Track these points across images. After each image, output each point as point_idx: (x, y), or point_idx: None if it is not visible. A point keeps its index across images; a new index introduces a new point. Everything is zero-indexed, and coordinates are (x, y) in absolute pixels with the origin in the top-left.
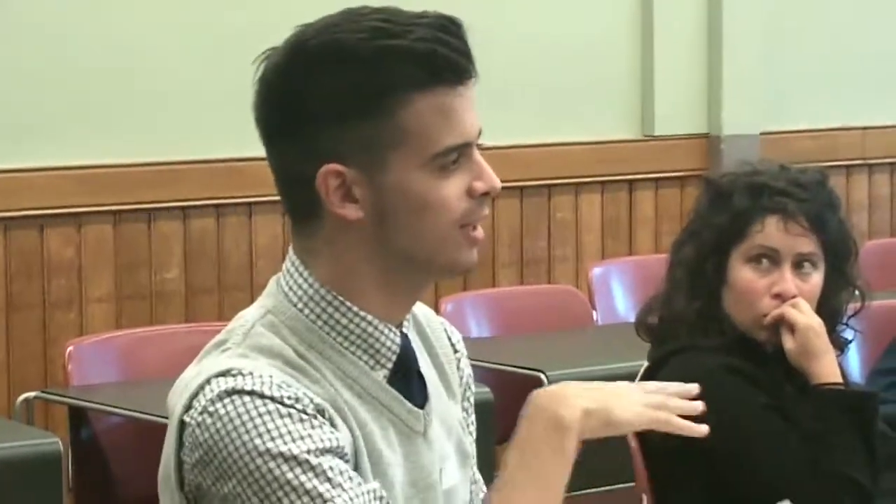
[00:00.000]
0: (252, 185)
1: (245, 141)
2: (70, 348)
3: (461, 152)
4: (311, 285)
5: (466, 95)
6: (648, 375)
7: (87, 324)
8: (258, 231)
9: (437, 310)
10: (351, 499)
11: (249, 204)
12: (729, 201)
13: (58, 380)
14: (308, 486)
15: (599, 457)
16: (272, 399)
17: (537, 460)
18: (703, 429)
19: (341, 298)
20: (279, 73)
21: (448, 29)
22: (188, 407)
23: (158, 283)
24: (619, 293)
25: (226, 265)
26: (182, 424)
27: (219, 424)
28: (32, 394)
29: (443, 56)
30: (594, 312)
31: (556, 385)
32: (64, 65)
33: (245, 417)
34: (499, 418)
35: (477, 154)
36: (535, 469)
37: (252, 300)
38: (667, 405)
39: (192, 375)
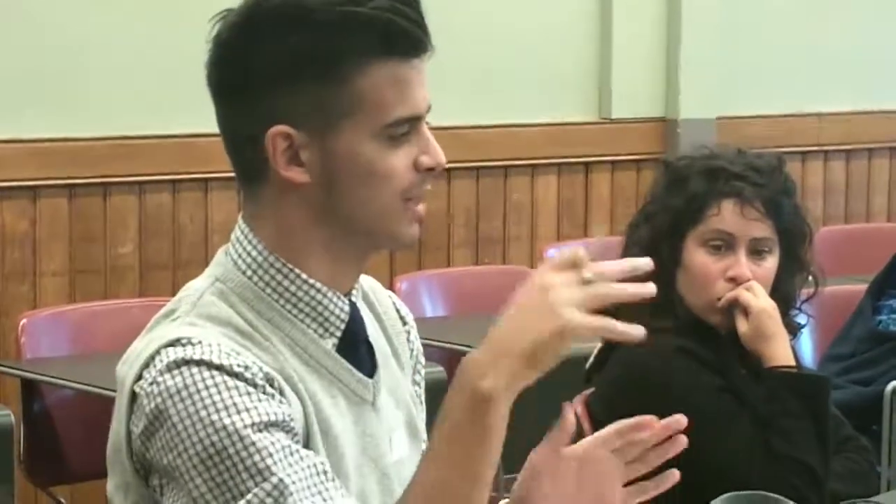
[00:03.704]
0: (208, 160)
1: (202, 116)
2: (23, 321)
3: (411, 125)
4: (259, 252)
5: (420, 69)
6: (601, 356)
7: (40, 297)
8: (214, 207)
9: (391, 288)
10: (292, 474)
11: (205, 180)
12: (686, 185)
13: (10, 352)
14: (248, 462)
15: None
16: (220, 368)
17: (458, 432)
18: (637, 331)
19: (290, 266)
20: (235, 32)
21: (406, 0)
22: (139, 377)
23: (113, 257)
24: None
25: (181, 241)
26: (133, 395)
27: (165, 395)
28: None
29: (401, 27)
30: None
31: (485, 347)
32: (18, 38)
33: (192, 389)
34: None
35: (425, 128)
36: (456, 442)
37: None
38: (608, 294)
39: (142, 346)
